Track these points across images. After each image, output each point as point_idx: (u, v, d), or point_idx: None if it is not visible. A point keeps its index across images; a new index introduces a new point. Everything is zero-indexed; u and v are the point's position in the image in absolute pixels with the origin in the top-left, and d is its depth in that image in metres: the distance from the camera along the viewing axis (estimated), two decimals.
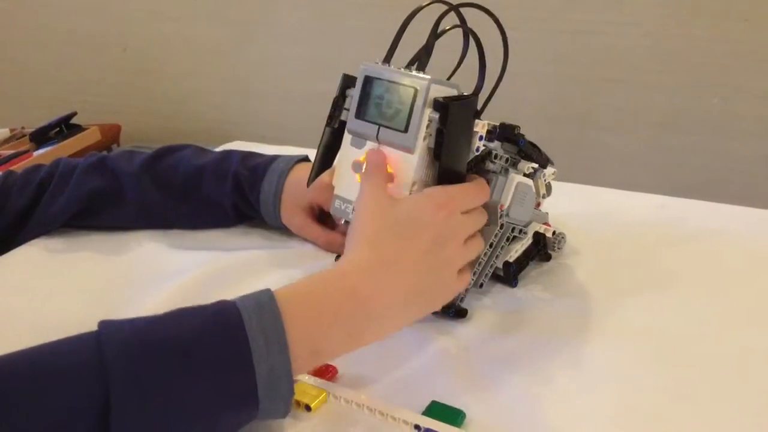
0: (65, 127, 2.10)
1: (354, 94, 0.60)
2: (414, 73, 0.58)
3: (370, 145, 0.60)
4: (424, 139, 0.57)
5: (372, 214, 0.55)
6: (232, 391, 0.45)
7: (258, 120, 2.22)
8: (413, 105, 0.56)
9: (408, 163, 0.57)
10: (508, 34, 0.62)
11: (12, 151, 1.94)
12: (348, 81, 0.63)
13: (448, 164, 0.57)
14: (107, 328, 0.44)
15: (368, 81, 0.59)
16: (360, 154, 0.60)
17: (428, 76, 0.56)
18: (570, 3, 1.71)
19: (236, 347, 0.45)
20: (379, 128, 0.58)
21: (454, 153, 0.58)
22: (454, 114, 0.56)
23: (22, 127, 2.13)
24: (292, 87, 2.13)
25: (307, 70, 2.07)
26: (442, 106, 0.55)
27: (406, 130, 0.56)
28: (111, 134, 2.23)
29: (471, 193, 0.58)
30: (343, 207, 0.63)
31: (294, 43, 2.08)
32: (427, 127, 0.56)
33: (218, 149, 1.07)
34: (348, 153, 0.62)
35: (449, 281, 0.57)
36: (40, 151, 1.99)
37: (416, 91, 0.56)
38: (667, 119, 1.72)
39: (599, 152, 1.81)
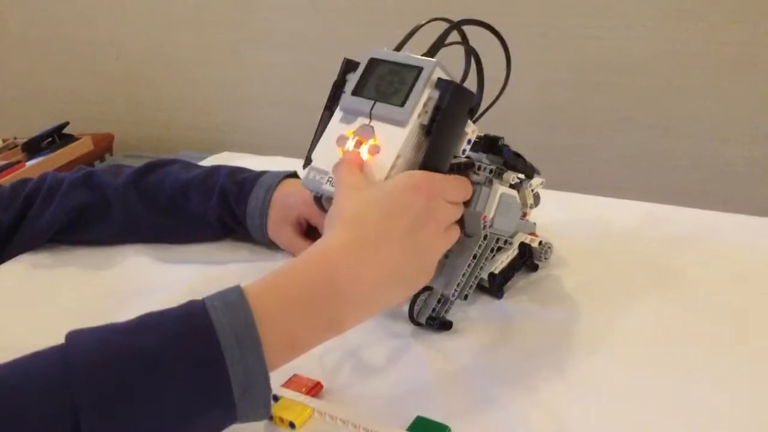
0: (58, 137, 2.10)
1: (355, 75, 0.60)
2: (421, 57, 0.58)
3: (360, 121, 0.59)
4: (419, 116, 0.56)
5: (350, 196, 0.54)
6: (205, 397, 0.44)
7: (251, 128, 2.22)
8: (415, 82, 0.56)
9: (397, 136, 0.56)
10: (497, 40, 0.62)
11: (4, 162, 1.93)
12: (349, 65, 0.62)
13: (437, 144, 0.56)
14: (74, 342, 0.44)
15: (372, 63, 0.59)
16: (349, 129, 0.59)
17: (435, 59, 0.57)
18: (559, 8, 1.71)
19: (207, 351, 0.44)
20: (374, 103, 0.58)
21: (445, 135, 0.57)
22: (455, 95, 0.56)
23: (15, 138, 2.13)
24: (285, 95, 2.12)
25: (300, 78, 2.06)
26: (446, 83, 0.56)
27: (402, 105, 0.56)
28: (104, 144, 2.23)
29: (452, 182, 0.57)
30: (317, 178, 0.60)
31: (287, 50, 2.08)
32: (425, 105, 0.56)
33: (206, 162, 1.07)
34: (336, 128, 0.60)
35: (429, 266, 0.55)
36: (33, 162, 1.98)
37: (421, 70, 0.57)
38: (659, 122, 1.72)
39: (591, 156, 1.81)
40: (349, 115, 0.60)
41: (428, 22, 0.59)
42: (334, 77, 0.63)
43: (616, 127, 1.76)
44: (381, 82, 0.58)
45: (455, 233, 0.58)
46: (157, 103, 2.34)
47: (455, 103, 0.56)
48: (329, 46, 1.99)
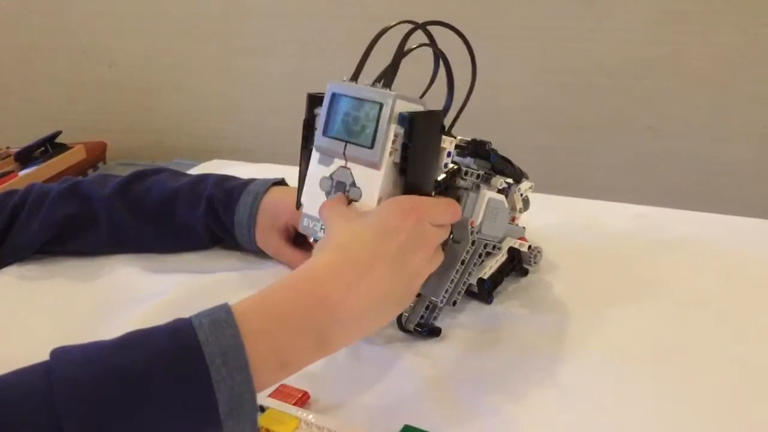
0: (50, 146, 2.09)
1: (321, 112, 0.60)
2: (380, 89, 0.57)
3: (338, 162, 0.59)
4: (390, 154, 0.56)
5: (341, 224, 0.54)
6: (191, 416, 0.43)
7: (245, 135, 2.22)
8: (379, 120, 0.56)
9: (374, 178, 0.57)
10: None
11: None
12: (314, 100, 0.62)
13: (415, 179, 0.57)
14: (58, 359, 0.43)
15: (335, 98, 0.59)
16: (328, 172, 0.60)
17: (394, 92, 0.56)
18: (554, 11, 1.71)
19: (193, 370, 0.43)
20: (346, 145, 0.58)
21: (421, 168, 0.57)
22: (419, 128, 0.55)
23: (7, 147, 2.12)
24: (278, 101, 2.12)
25: (293, 85, 2.06)
26: (406, 119, 0.55)
27: (372, 146, 0.56)
28: (97, 152, 2.22)
29: (439, 206, 0.57)
30: (311, 225, 0.62)
31: (280, 56, 2.08)
32: (393, 142, 0.56)
33: (196, 169, 1.07)
34: (316, 170, 0.61)
35: (414, 290, 0.55)
36: (26, 171, 1.97)
37: (382, 106, 0.56)
38: (651, 124, 1.72)
39: (582, 159, 1.81)
40: (326, 156, 0.60)
41: (396, 24, 0.59)
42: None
43: (608, 129, 1.76)
44: (347, 119, 0.58)
45: (440, 257, 0.58)
46: (150, 111, 2.33)
47: (420, 136, 0.56)
48: (322, 53, 1.99)
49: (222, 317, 0.45)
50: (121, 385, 0.42)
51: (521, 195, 0.73)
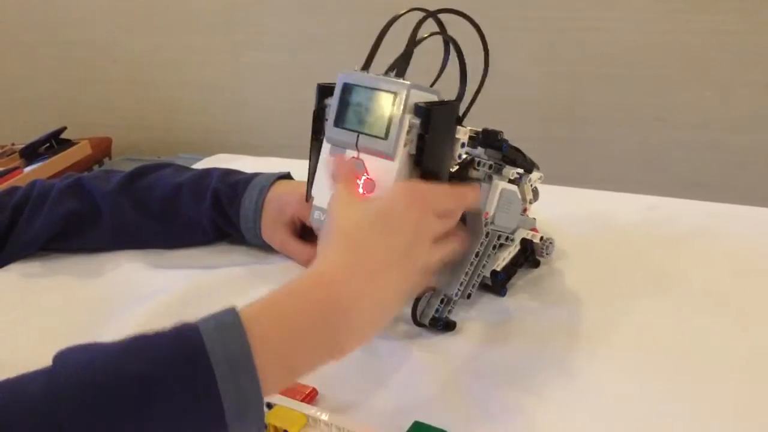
0: (55, 142, 2.08)
1: (332, 102, 0.58)
2: (393, 78, 0.56)
3: (349, 153, 0.58)
4: (405, 145, 0.55)
5: (346, 214, 0.53)
6: (196, 422, 0.42)
7: (251, 129, 2.21)
8: (393, 111, 0.55)
9: (389, 170, 0.56)
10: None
11: (2, 168, 1.92)
12: (324, 91, 0.61)
13: (430, 171, 0.56)
14: (60, 365, 0.42)
15: (347, 88, 0.58)
16: None
17: (408, 82, 0.55)
18: (559, 0, 1.69)
19: (199, 376, 0.42)
20: (358, 136, 0.56)
21: (436, 159, 0.56)
22: (436, 119, 0.54)
23: (12, 144, 2.11)
24: (284, 95, 2.11)
25: (298, 78, 2.05)
26: (423, 110, 0.54)
27: (386, 137, 0.55)
28: (102, 148, 2.21)
29: (445, 194, 0.56)
30: (322, 218, 0.61)
31: (284, 51, 2.07)
32: (408, 133, 0.55)
33: (201, 164, 1.05)
34: (327, 162, 0.60)
35: (425, 281, 0.55)
36: (31, 168, 1.97)
37: (396, 96, 0.55)
38: (659, 113, 1.70)
39: (593, 149, 1.79)
40: (337, 148, 0.59)
41: (406, 12, 0.58)
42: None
43: (616, 119, 1.75)
44: (359, 110, 0.57)
45: (449, 244, 0.57)
46: (155, 105, 2.33)
47: (437, 127, 0.55)
48: (326, 46, 1.97)
49: (229, 321, 0.44)
50: (124, 392, 0.41)
51: (531, 185, 0.71)
